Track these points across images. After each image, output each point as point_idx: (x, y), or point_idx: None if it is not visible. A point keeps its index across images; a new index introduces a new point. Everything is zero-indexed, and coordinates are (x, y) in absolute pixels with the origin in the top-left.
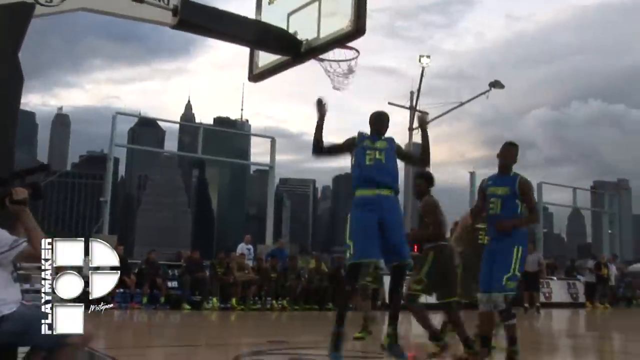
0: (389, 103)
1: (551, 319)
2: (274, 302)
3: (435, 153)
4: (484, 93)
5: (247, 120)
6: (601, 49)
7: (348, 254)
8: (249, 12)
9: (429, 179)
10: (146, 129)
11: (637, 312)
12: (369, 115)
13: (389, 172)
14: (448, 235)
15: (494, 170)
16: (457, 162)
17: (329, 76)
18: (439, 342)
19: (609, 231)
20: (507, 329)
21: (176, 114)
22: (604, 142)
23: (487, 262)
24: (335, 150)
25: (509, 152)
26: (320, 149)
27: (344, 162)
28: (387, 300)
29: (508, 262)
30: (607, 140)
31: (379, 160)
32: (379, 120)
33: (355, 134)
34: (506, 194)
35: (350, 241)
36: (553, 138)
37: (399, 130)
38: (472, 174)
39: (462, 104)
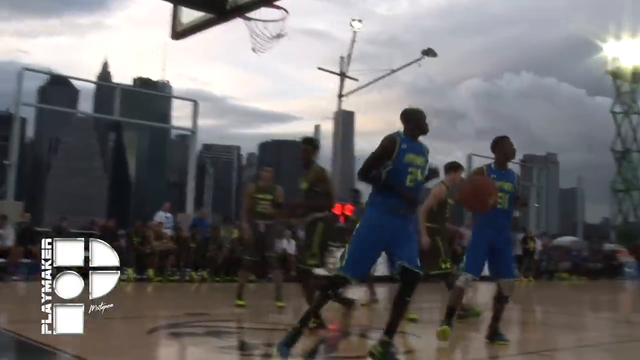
0: (319, 68)
1: (477, 292)
2: (193, 273)
3: (365, 122)
4: (416, 61)
5: (169, 82)
6: (534, 21)
7: (341, 262)
8: None
9: (316, 146)
10: (58, 87)
11: (558, 285)
12: (404, 110)
13: (420, 196)
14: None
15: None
16: (387, 131)
17: (253, 37)
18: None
19: (536, 205)
20: (501, 309)
21: (92, 72)
22: (535, 115)
23: (485, 250)
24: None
25: (512, 147)
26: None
27: (270, 129)
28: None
29: (512, 253)
30: (538, 114)
31: (419, 183)
32: (424, 120)
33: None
34: (511, 190)
35: (349, 251)
36: (485, 110)
37: (327, 96)
38: None
39: (393, 71)
